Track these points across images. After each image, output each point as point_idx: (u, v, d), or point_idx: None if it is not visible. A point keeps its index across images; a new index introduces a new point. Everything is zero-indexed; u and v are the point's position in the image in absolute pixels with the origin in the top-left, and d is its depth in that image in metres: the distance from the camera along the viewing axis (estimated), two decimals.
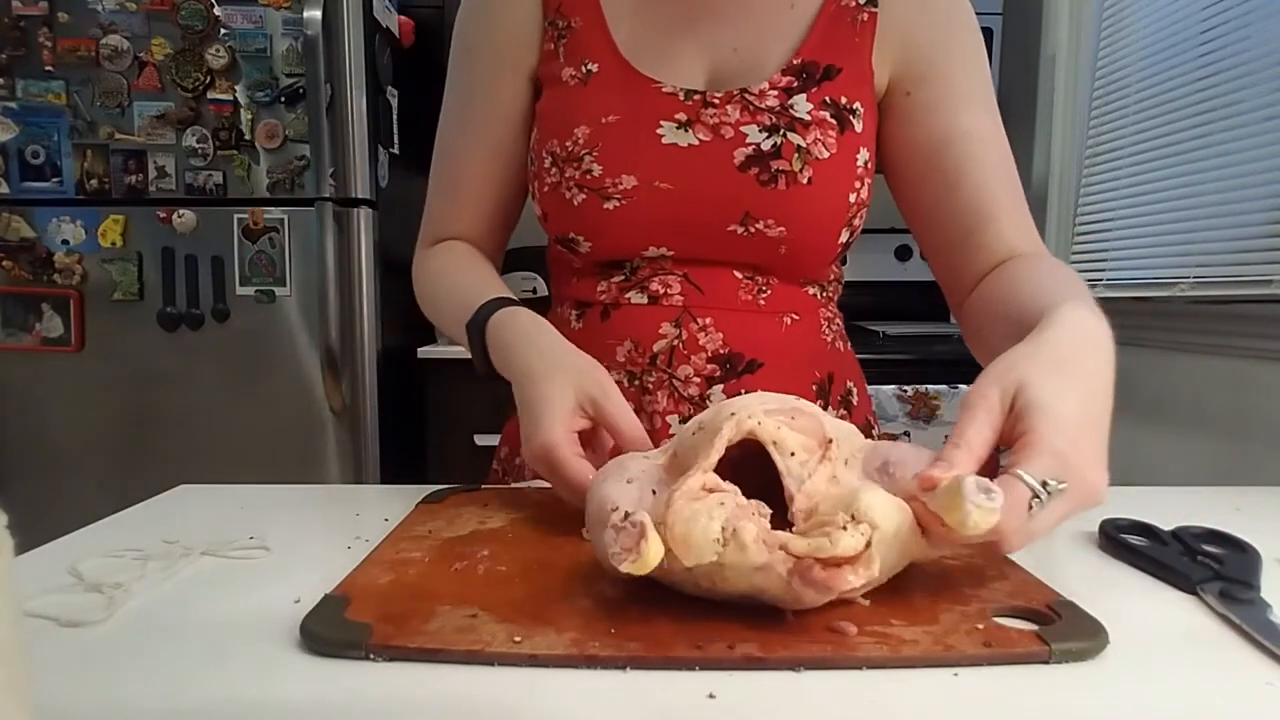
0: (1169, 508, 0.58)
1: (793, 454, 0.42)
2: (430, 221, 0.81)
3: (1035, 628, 0.38)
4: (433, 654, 0.36)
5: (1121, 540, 0.52)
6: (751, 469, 0.42)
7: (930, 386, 1.69)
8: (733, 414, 0.42)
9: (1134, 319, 1.76)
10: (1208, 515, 0.56)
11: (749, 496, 0.40)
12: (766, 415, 0.42)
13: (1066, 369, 0.44)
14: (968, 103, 0.70)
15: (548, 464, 0.55)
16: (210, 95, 1.63)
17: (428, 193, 0.81)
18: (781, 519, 0.40)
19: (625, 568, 0.37)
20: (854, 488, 0.39)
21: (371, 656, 0.37)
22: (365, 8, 1.67)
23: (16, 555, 0.25)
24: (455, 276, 0.75)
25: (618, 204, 0.68)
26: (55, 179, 1.65)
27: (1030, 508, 0.38)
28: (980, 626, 0.38)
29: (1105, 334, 0.48)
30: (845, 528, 0.36)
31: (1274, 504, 0.65)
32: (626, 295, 0.71)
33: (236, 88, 1.64)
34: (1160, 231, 1.66)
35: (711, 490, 0.39)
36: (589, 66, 0.71)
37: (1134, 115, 1.76)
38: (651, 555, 0.36)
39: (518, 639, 0.37)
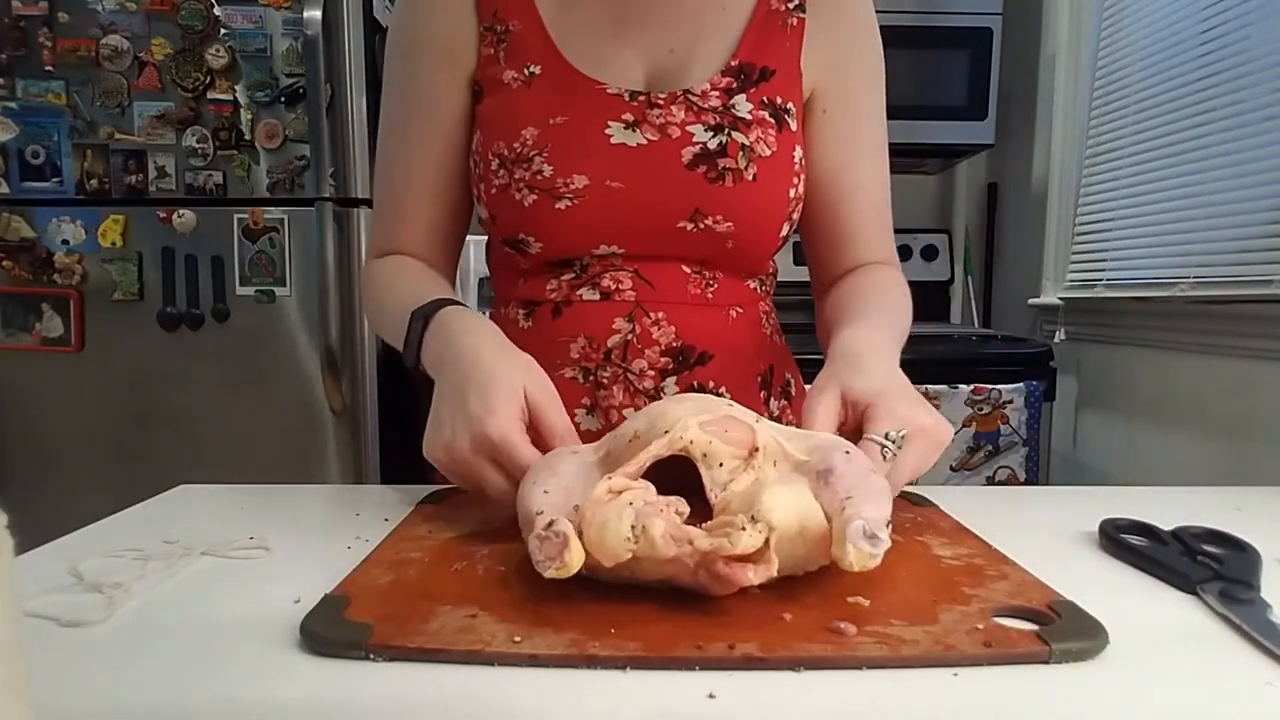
0: (1169, 508, 0.58)
1: (720, 464, 0.45)
2: (378, 235, 0.79)
3: (1035, 628, 0.38)
4: (433, 654, 0.36)
5: (1121, 540, 0.52)
6: (689, 463, 0.45)
7: (930, 386, 1.69)
8: (666, 432, 0.46)
9: (1134, 319, 1.76)
10: (1208, 515, 0.56)
11: (684, 490, 0.43)
12: (700, 429, 0.46)
13: (863, 364, 0.56)
14: (866, 133, 0.78)
15: (501, 450, 0.52)
16: (210, 95, 1.63)
17: (374, 204, 0.80)
18: (709, 513, 0.43)
19: (549, 574, 0.39)
20: (758, 490, 0.42)
21: (371, 656, 0.37)
22: (365, 8, 1.67)
23: (16, 555, 0.25)
24: (412, 282, 0.73)
25: (569, 204, 0.69)
26: (55, 179, 1.65)
27: (885, 458, 0.49)
28: (980, 626, 0.38)
29: (880, 338, 0.61)
30: (744, 528, 0.39)
31: (1274, 504, 0.65)
32: (578, 292, 0.72)
33: (236, 88, 1.63)
34: (1160, 231, 1.66)
35: (620, 491, 0.42)
36: (531, 69, 0.71)
37: (1134, 115, 1.76)
38: (574, 562, 0.39)
39: (518, 639, 0.37)
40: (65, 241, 1.65)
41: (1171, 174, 1.63)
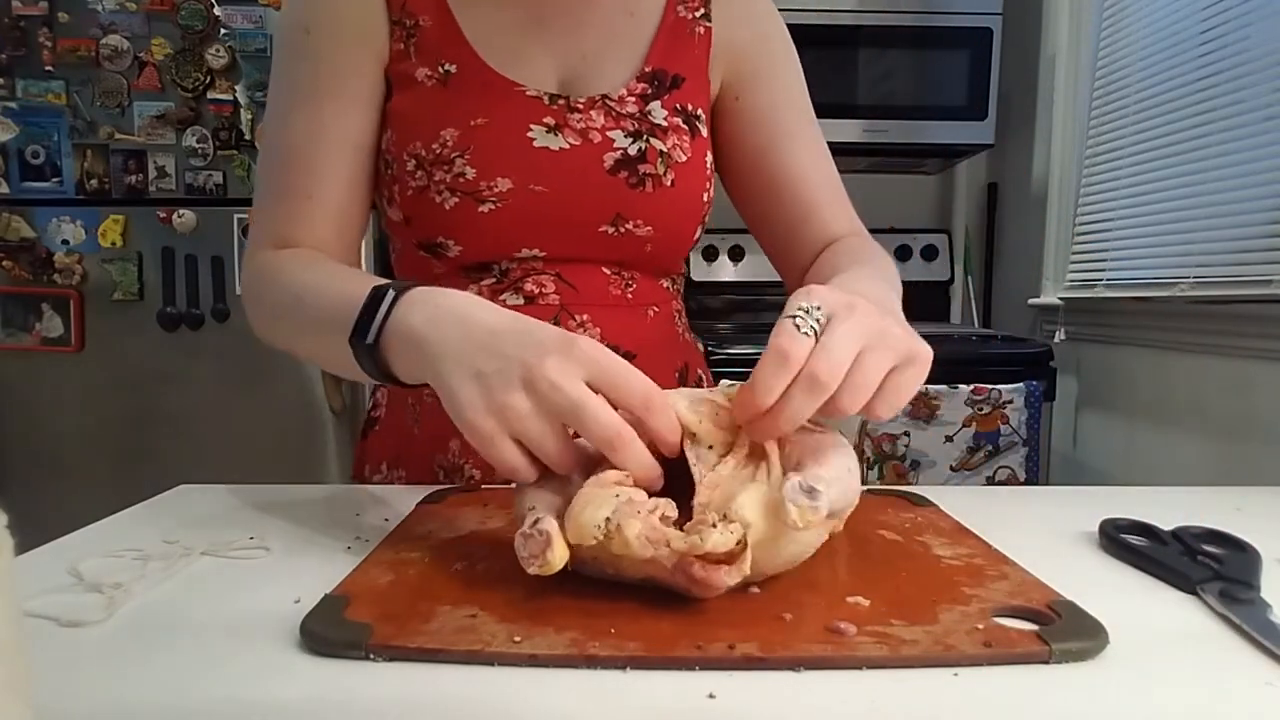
0: (1169, 508, 0.58)
1: (710, 446, 0.45)
2: (270, 222, 0.69)
3: (1035, 628, 0.38)
4: (433, 654, 0.36)
5: (1121, 540, 0.52)
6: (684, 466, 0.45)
7: (930, 386, 1.69)
8: None
9: (1134, 319, 1.76)
10: (1208, 515, 0.55)
11: (682, 489, 0.43)
12: (689, 408, 0.45)
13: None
14: (787, 110, 0.78)
15: (603, 371, 0.42)
16: (210, 95, 1.64)
17: (258, 194, 0.71)
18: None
19: (532, 571, 0.40)
20: (736, 488, 0.42)
21: (371, 656, 0.37)
22: None
23: (16, 555, 0.25)
24: (343, 270, 0.63)
25: (493, 206, 0.68)
26: (55, 179, 1.65)
27: (802, 330, 0.41)
28: (980, 626, 0.38)
29: (869, 283, 0.53)
30: (715, 525, 0.38)
31: (1274, 504, 0.65)
32: (501, 297, 0.72)
33: (236, 88, 1.64)
34: (1160, 231, 1.66)
35: (619, 484, 0.42)
36: (446, 67, 0.70)
37: (1134, 115, 1.76)
38: (556, 561, 0.39)
39: (518, 639, 0.37)
40: (65, 241, 1.65)
41: (1171, 174, 1.63)
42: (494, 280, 0.72)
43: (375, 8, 0.70)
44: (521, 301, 0.72)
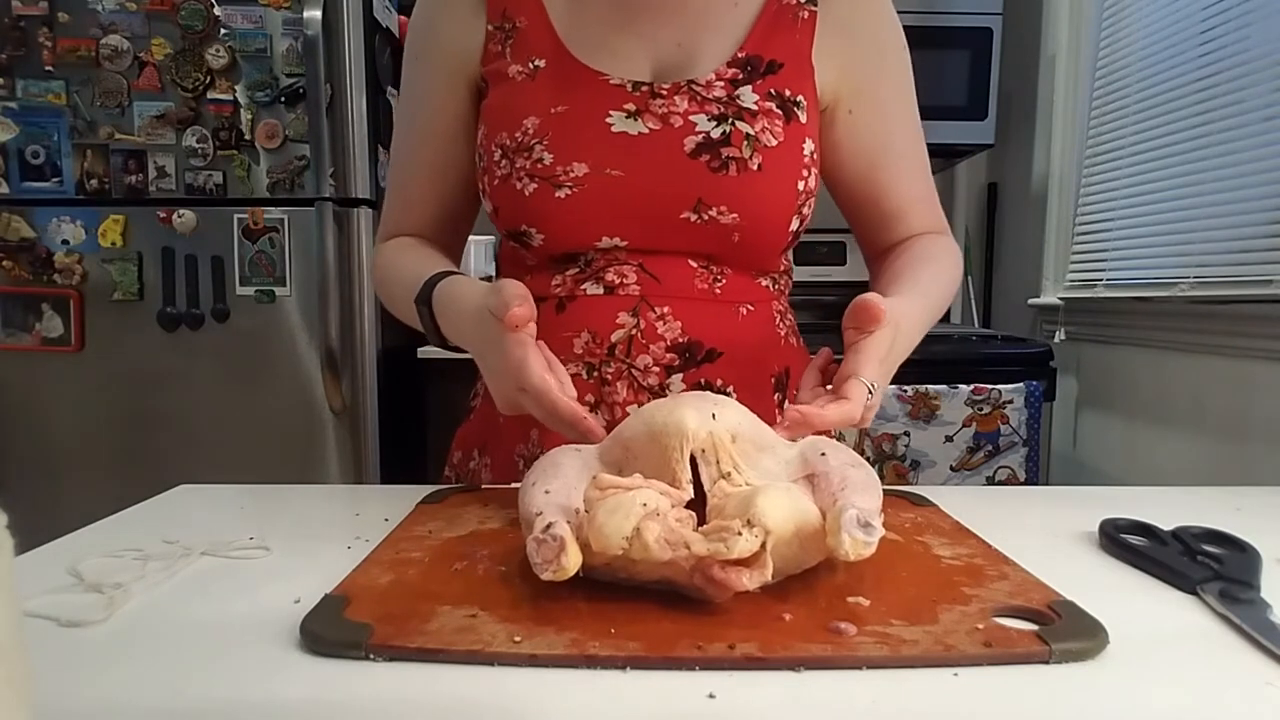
0: (1169, 508, 0.58)
1: (718, 461, 0.46)
2: (386, 219, 0.83)
3: (1035, 628, 0.38)
4: (433, 654, 0.36)
5: (1121, 540, 0.52)
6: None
7: (930, 386, 1.69)
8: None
9: (1134, 319, 1.76)
10: (1208, 515, 0.56)
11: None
12: (697, 418, 0.46)
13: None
14: (898, 128, 0.79)
15: (540, 406, 0.56)
16: (210, 95, 1.63)
17: (386, 189, 0.84)
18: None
19: (546, 577, 0.39)
20: (753, 491, 0.42)
21: (371, 656, 0.37)
22: (365, 8, 1.67)
23: (16, 555, 0.25)
24: (409, 266, 0.75)
25: (569, 192, 0.68)
26: (55, 179, 1.65)
27: (870, 409, 0.55)
28: (980, 626, 0.38)
29: (907, 305, 0.63)
30: (740, 533, 0.38)
31: (1274, 504, 0.65)
32: (582, 287, 0.71)
33: (236, 88, 1.64)
34: (1160, 231, 1.66)
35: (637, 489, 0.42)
36: (536, 62, 0.72)
37: (1134, 115, 1.76)
38: (570, 566, 0.39)
39: (518, 639, 0.37)
40: (65, 241, 1.65)
41: (1171, 174, 1.63)
42: (577, 270, 0.71)
43: (474, 23, 0.75)
44: (601, 291, 0.71)
